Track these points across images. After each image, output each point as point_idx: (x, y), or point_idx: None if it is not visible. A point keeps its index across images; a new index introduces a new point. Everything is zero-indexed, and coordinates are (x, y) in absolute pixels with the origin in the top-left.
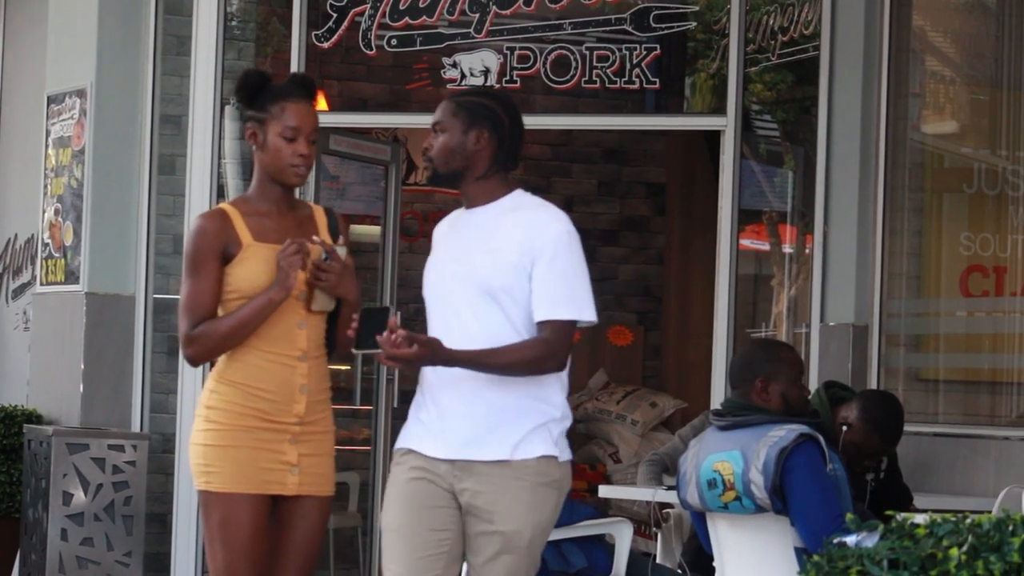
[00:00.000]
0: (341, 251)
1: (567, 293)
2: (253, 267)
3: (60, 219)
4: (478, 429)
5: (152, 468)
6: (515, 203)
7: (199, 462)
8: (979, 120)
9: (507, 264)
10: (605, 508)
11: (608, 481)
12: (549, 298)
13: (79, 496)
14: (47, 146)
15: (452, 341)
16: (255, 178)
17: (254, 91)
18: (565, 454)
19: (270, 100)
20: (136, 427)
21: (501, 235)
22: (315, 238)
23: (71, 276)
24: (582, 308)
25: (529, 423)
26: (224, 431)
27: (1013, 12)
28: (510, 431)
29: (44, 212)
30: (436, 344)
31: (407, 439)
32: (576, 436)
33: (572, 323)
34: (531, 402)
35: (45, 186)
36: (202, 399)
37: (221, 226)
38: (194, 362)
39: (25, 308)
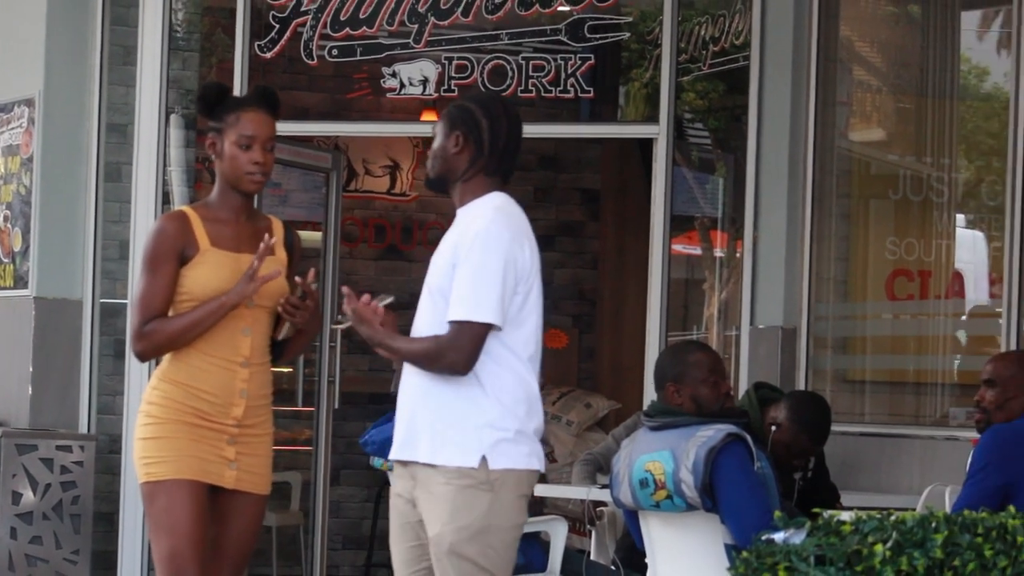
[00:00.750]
0: (312, 286)
1: (468, 293)
2: (207, 272)
3: (9, 225)
4: (412, 430)
5: (99, 468)
6: (481, 205)
7: (141, 455)
8: (905, 128)
9: (445, 265)
10: (540, 506)
11: (544, 480)
12: (455, 298)
13: (28, 496)
14: None
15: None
16: (216, 186)
17: (213, 102)
18: (502, 459)
19: (227, 110)
20: (84, 428)
21: (450, 237)
22: (297, 279)
23: (20, 281)
24: (478, 309)
25: (457, 426)
26: (164, 423)
27: (937, 23)
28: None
29: None
30: (388, 322)
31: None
32: None
33: (471, 324)
34: (462, 405)
35: None
36: (144, 396)
37: (181, 228)
38: (142, 357)
39: None
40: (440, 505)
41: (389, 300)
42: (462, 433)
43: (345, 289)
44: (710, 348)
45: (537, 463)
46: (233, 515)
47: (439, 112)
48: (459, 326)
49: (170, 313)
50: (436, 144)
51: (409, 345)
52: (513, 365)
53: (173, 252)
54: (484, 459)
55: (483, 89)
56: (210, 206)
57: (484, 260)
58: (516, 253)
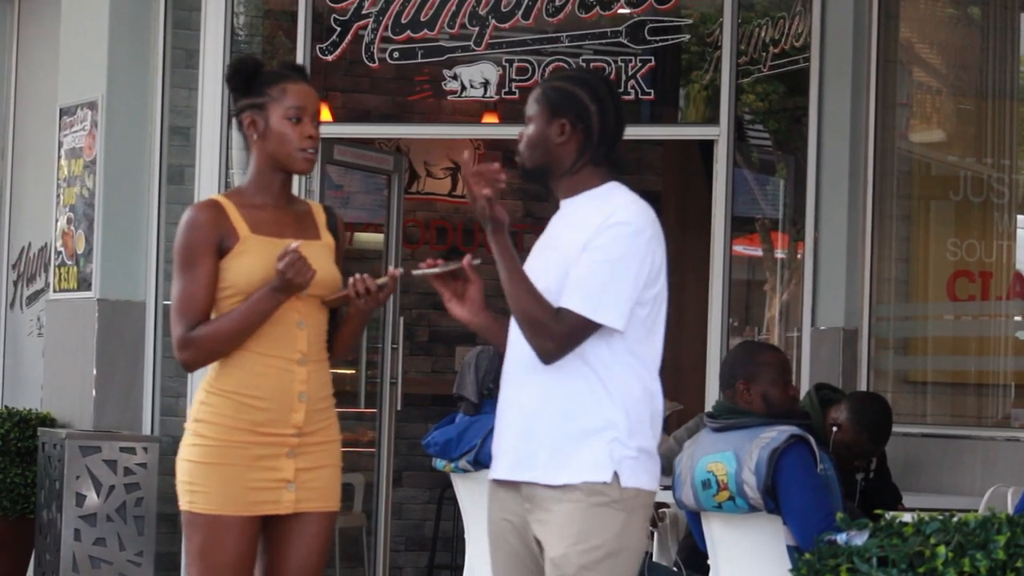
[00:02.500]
0: (382, 283)
1: (594, 288)
2: (252, 261)
3: (72, 228)
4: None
5: (163, 470)
6: (602, 196)
7: (184, 479)
8: (965, 129)
9: (566, 264)
10: None
11: None
12: (577, 286)
13: (92, 497)
14: (59, 157)
15: (516, 340)
16: (252, 170)
17: (248, 77)
18: (632, 477)
19: (268, 83)
20: (147, 430)
21: (571, 232)
22: (391, 269)
23: (83, 283)
24: (600, 309)
25: (576, 438)
26: (213, 447)
27: (996, 24)
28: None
29: (57, 221)
30: (505, 219)
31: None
32: None
33: (585, 320)
34: (590, 417)
35: (58, 196)
36: (191, 412)
37: (215, 217)
38: (190, 367)
39: (39, 314)
40: (567, 525)
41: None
42: (591, 447)
43: (466, 154)
44: (781, 350)
45: (656, 483)
46: (294, 540)
47: (499, 111)
48: (571, 317)
49: (213, 315)
50: (533, 132)
51: (527, 294)
52: (643, 376)
53: (209, 244)
54: (616, 475)
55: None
56: (245, 192)
57: (622, 255)
58: (656, 253)
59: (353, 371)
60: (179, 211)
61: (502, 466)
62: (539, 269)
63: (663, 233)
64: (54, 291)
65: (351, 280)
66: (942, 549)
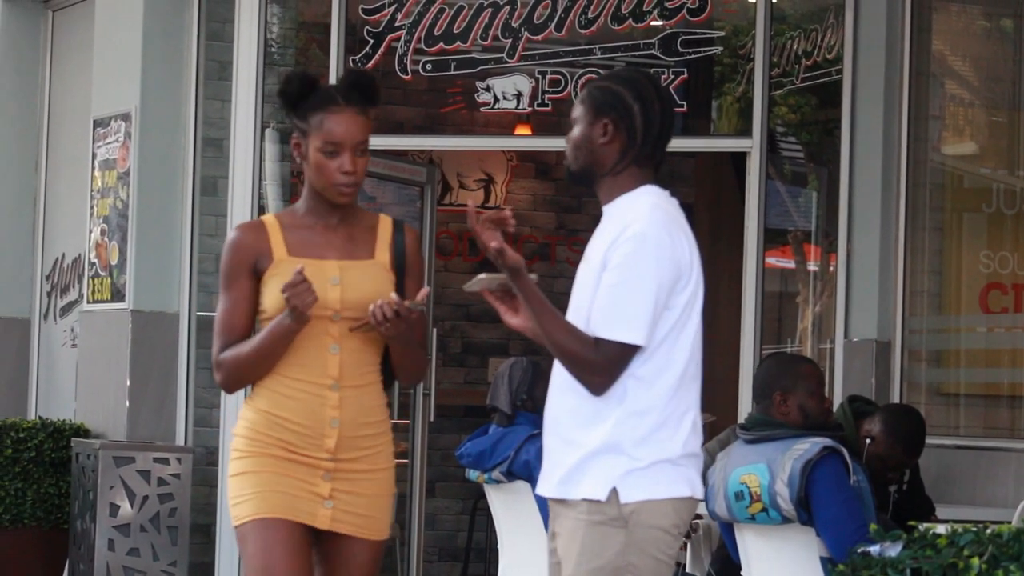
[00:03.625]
0: (415, 306)
1: (617, 309)
2: (281, 284)
3: (106, 239)
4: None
5: (196, 480)
6: (631, 200)
7: (230, 496)
8: (997, 141)
9: (594, 272)
10: None
11: None
12: (604, 310)
13: (125, 507)
14: (93, 168)
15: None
16: (305, 189)
17: (296, 98)
18: (634, 491)
19: (312, 109)
20: (180, 440)
21: (598, 243)
22: (408, 302)
23: (117, 294)
24: (627, 328)
25: (578, 454)
26: (248, 458)
27: None
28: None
29: (91, 232)
30: (520, 263)
31: None
32: None
33: (619, 345)
34: (593, 431)
35: (91, 207)
36: (234, 428)
37: (255, 238)
38: (224, 389)
39: (72, 325)
40: (572, 544)
41: (419, 306)
42: (590, 462)
43: (470, 203)
44: (815, 362)
45: (686, 489)
46: (337, 562)
47: (532, 123)
48: (609, 346)
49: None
50: (578, 133)
51: (560, 329)
52: (655, 384)
53: (246, 266)
54: (615, 492)
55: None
56: (297, 211)
57: (639, 271)
58: (677, 257)
59: None
60: (212, 223)
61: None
62: (579, 284)
63: (692, 234)
64: (88, 302)
65: (371, 307)
66: (976, 561)
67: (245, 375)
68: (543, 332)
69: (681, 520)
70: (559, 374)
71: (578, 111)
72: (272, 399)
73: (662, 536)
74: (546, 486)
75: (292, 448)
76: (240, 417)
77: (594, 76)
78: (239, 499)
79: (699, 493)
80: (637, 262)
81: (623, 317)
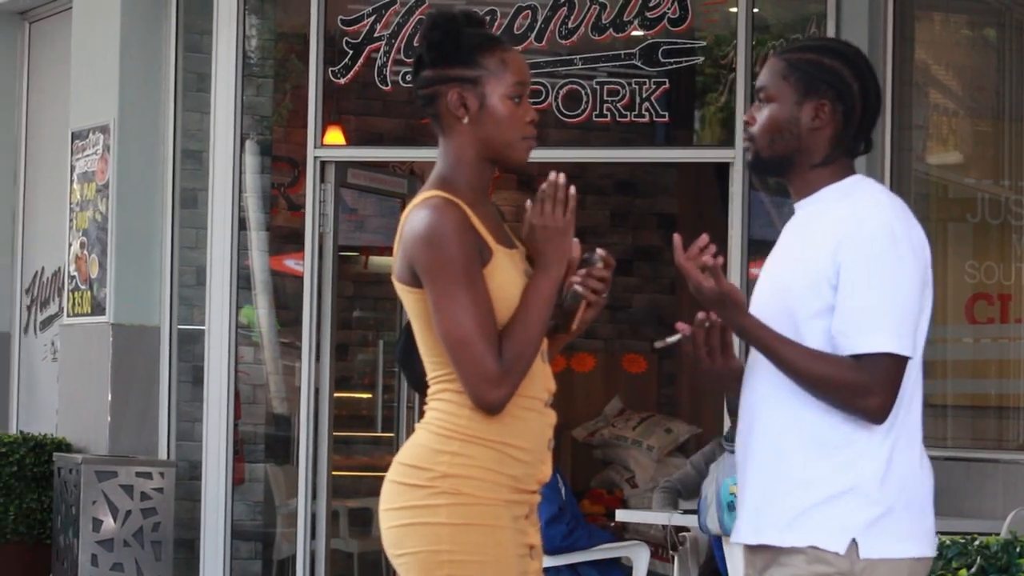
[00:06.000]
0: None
1: (881, 317)
2: (506, 280)
3: (86, 252)
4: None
5: (179, 495)
6: (844, 192)
7: (439, 548)
8: (982, 151)
9: (812, 284)
10: (622, 532)
11: (626, 506)
12: (848, 322)
13: (108, 522)
14: (72, 181)
15: (753, 379)
16: (458, 159)
17: (452, 39)
18: (876, 545)
19: (482, 51)
20: (163, 455)
21: (813, 239)
22: (599, 251)
23: (97, 308)
24: (899, 338)
25: (813, 495)
26: (481, 506)
27: (1013, 46)
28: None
29: (70, 245)
30: (735, 294)
31: None
32: (593, 462)
33: (893, 358)
34: (825, 464)
35: (71, 220)
36: (425, 463)
37: (467, 220)
38: (504, 406)
39: (53, 339)
40: None
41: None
42: (827, 505)
43: (677, 237)
44: None
45: (928, 548)
46: None
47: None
48: (876, 360)
49: None
50: (777, 113)
51: (805, 352)
52: (911, 405)
53: (476, 252)
54: (854, 544)
55: (558, 115)
56: (458, 187)
57: (893, 269)
58: (923, 255)
59: (369, 395)
60: (192, 235)
61: (737, 522)
62: (770, 293)
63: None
64: (68, 316)
65: (575, 286)
66: (964, 572)
67: (527, 373)
68: (786, 367)
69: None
70: (769, 395)
71: (777, 86)
72: (506, 425)
73: None
74: (755, 530)
75: (518, 486)
76: (453, 453)
77: (576, 87)
78: (469, 557)
79: (934, 552)
80: (891, 260)
81: (887, 325)
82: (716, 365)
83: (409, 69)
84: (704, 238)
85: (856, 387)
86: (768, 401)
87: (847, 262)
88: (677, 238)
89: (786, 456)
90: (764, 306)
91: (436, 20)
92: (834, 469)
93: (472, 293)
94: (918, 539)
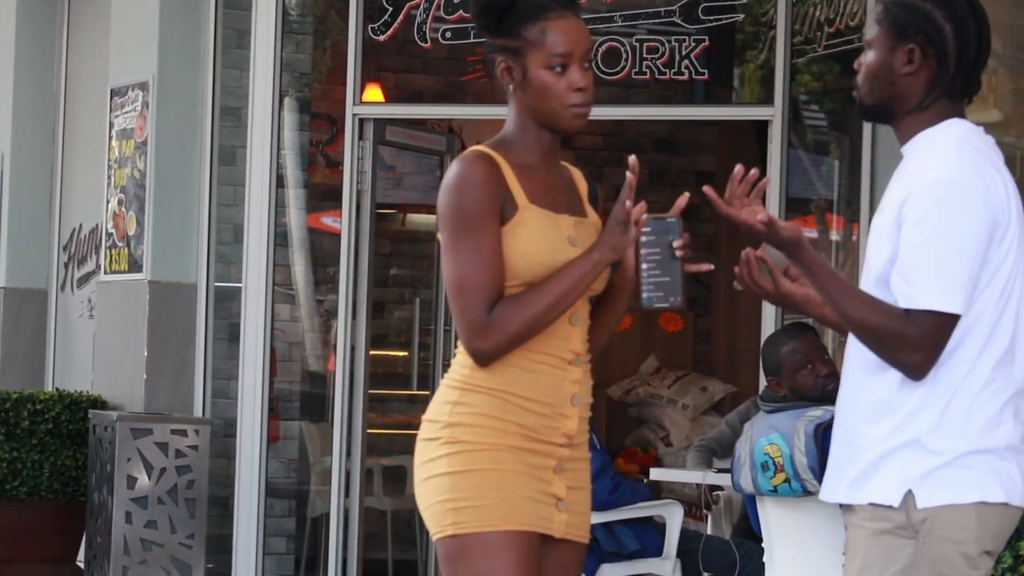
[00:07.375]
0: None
1: (929, 273)
2: (530, 238)
3: (124, 209)
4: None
5: (214, 452)
6: (930, 139)
7: (444, 498)
8: (1022, 109)
9: (886, 225)
10: (656, 490)
11: (660, 464)
12: (910, 274)
13: (143, 480)
14: (110, 138)
15: (847, 349)
16: (515, 121)
17: (501, 13)
18: (934, 494)
19: (524, 21)
20: (198, 412)
21: (892, 192)
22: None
23: (134, 265)
24: (946, 295)
25: (872, 451)
26: (480, 452)
27: None
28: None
29: (108, 202)
30: (799, 233)
31: None
32: (628, 420)
33: (936, 315)
34: (885, 418)
35: (109, 177)
36: (435, 414)
37: (496, 176)
38: (488, 359)
39: (90, 296)
40: (852, 560)
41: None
42: (886, 461)
43: (707, 188)
44: (804, 330)
45: (999, 492)
46: (552, 572)
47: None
48: (922, 316)
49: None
50: (874, 59)
51: (859, 298)
52: (972, 360)
53: (495, 207)
54: (910, 495)
55: (597, 72)
56: (512, 147)
57: (949, 224)
58: (992, 202)
59: (405, 353)
60: (231, 192)
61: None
62: (872, 243)
63: (1008, 172)
64: (105, 273)
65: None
66: None
67: (525, 335)
68: (837, 309)
69: (989, 535)
70: (853, 356)
71: (873, 31)
72: (508, 376)
73: (957, 558)
74: (832, 489)
75: (531, 433)
76: (454, 402)
77: (615, 44)
78: (469, 503)
79: (1018, 499)
80: (946, 214)
81: (935, 281)
82: (782, 287)
83: (449, 26)
84: (738, 170)
85: (899, 340)
86: (846, 371)
87: (907, 217)
88: (708, 190)
89: (852, 423)
90: (868, 257)
91: None
92: (892, 427)
93: (477, 242)
94: (987, 485)
